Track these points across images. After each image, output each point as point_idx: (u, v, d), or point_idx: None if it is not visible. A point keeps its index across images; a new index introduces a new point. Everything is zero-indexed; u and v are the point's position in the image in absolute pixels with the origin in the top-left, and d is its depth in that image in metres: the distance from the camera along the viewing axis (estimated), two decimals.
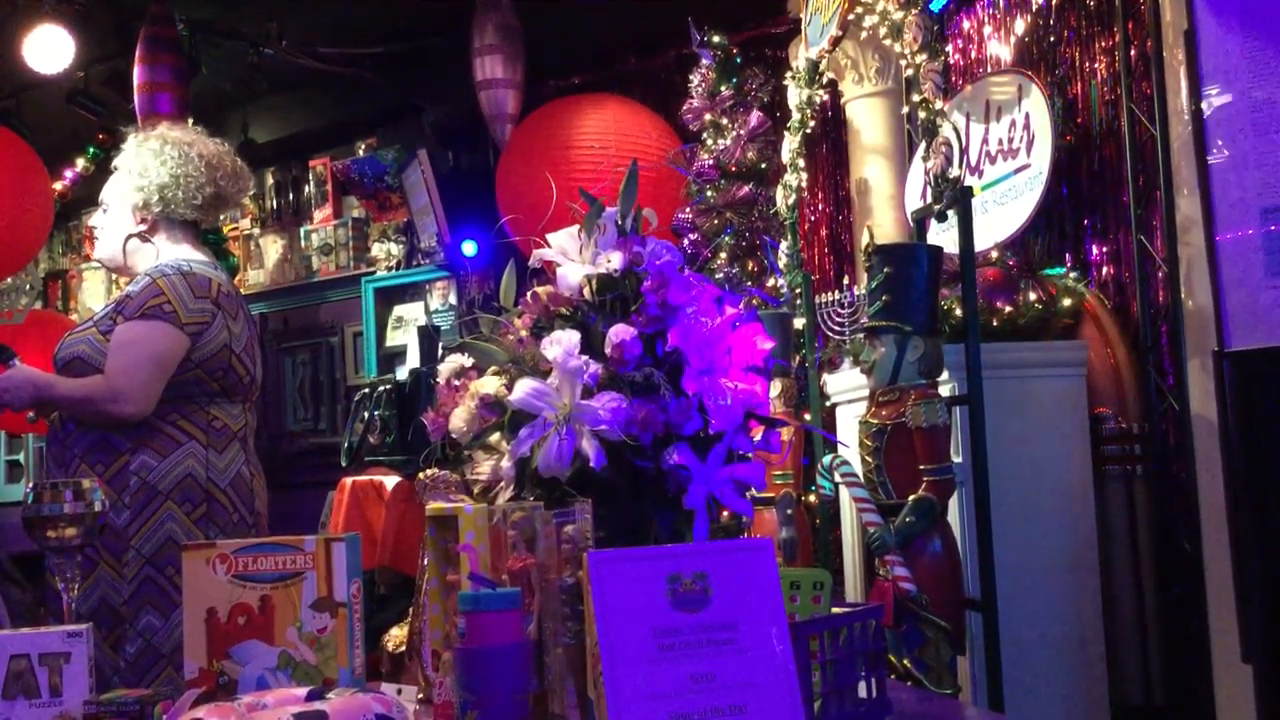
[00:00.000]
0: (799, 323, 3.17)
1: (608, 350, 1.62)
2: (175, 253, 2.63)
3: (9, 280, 6.09)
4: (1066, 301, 3.13)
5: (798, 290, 3.23)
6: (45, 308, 6.43)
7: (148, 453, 2.47)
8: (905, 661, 2.23)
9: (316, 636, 1.60)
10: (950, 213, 2.49)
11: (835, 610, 1.57)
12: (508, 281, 1.84)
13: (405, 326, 5.51)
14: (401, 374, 4.38)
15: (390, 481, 3.75)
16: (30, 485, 1.72)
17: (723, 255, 3.49)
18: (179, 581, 2.41)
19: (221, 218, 5.67)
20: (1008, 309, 2.99)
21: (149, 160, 2.63)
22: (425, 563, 1.71)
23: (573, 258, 1.72)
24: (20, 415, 2.55)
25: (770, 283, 3.40)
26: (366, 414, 3.79)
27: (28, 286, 6.40)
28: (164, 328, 2.47)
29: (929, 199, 2.61)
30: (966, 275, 2.42)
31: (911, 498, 2.29)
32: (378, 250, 5.67)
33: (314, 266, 5.95)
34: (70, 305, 6.65)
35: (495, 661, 1.26)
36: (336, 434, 5.46)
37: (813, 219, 4.42)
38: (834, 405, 3.42)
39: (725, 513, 1.83)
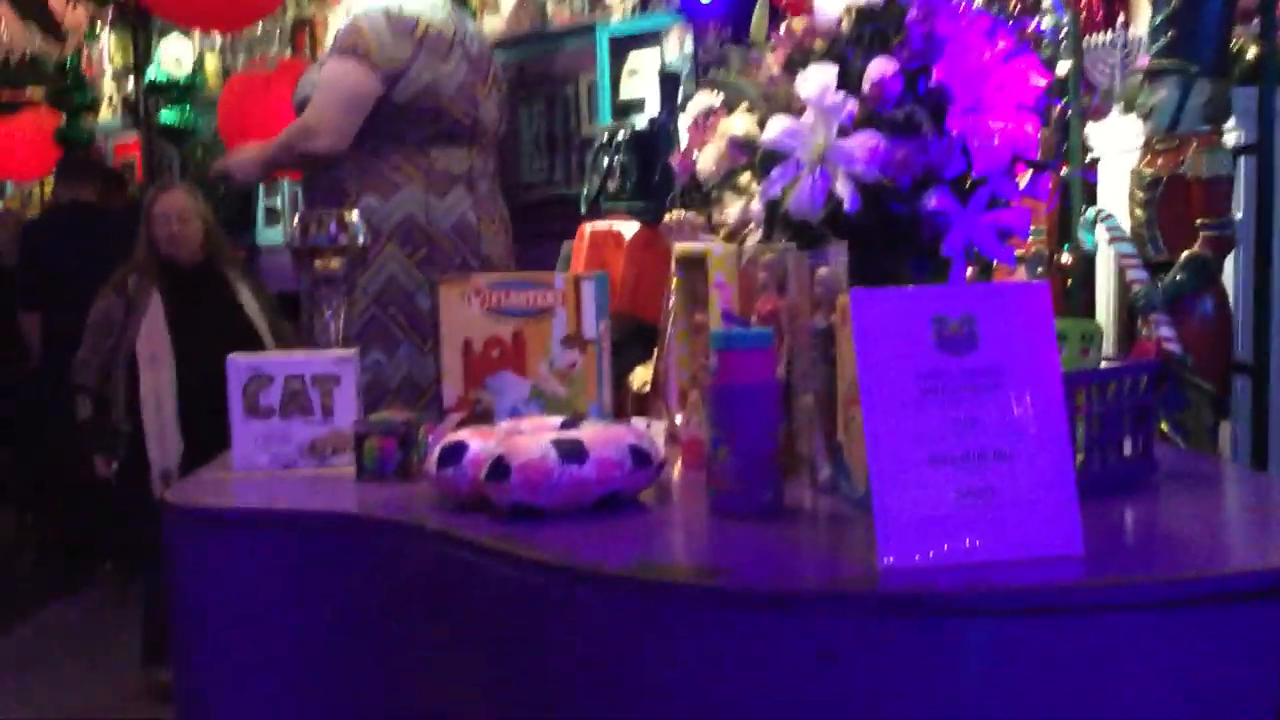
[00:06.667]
0: (1063, 67, 2.94)
1: (865, 87, 1.53)
2: None
3: (260, 27, 6.26)
4: None
5: (1064, 31, 2.98)
6: (294, 56, 6.62)
7: (372, 195, 2.53)
8: (1164, 424, 2.13)
9: (567, 371, 1.64)
10: None
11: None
12: (759, 15, 1.75)
13: (639, 76, 5.41)
14: (640, 122, 4.34)
15: (629, 229, 3.77)
16: (297, 217, 1.78)
17: None
18: (401, 320, 2.53)
19: None
20: None
21: None
22: (672, 304, 1.71)
23: None
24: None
25: (1034, 22, 3.14)
26: (605, 161, 3.78)
27: (277, 33, 6.57)
28: (354, 65, 2.48)
29: None
30: (1267, 8, 2.17)
31: (1184, 254, 2.14)
32: None
33: (549, 14, 5.88)
34: (316, 53, 6.82)
35: (748, 398, 1.25)
36: (571, 184, 5.50)
37: None
38: (1096, 160, 3.20)
39: (970, 269, 1.75)
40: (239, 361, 1.61)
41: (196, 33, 6.75)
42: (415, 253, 2.55)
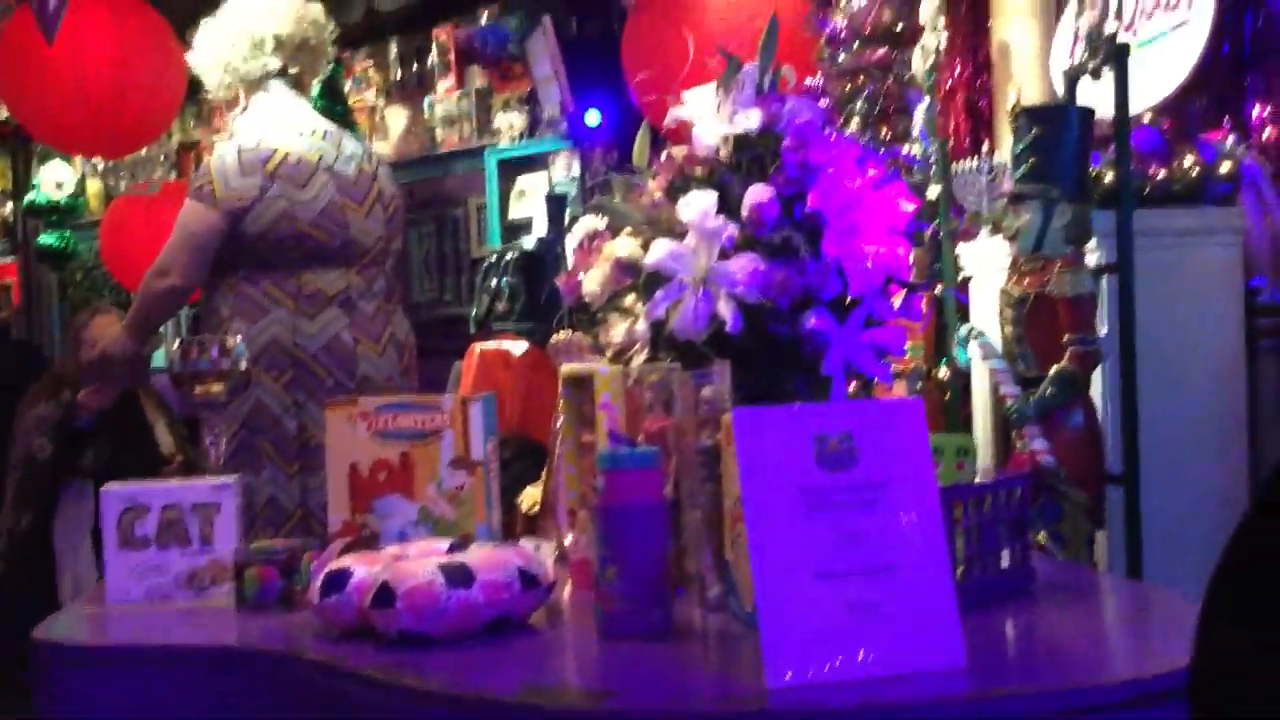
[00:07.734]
0: (933, 191, 3.07)
1: (744, 212, 1.58)
2: (259, 119, 2.67)
3: (144, 151, 6.21)
4: (1224, 167, 2.96)
5: (932, 158, 3.12)
6: (179, 179, 6.58)
7: (241, 320, 2.56)
8: (1041, 535, 2.19)
9: (455, 493, 1.63)
10: (1105, 71, 2.36)
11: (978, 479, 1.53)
12: (641, 143, 1.80)
13: (527, 198, 5.49)
14: (528, 243, 4.38)
15: (518, 349, 3.79)
16: (177, 343, 1.76)
17: (855, 120, 3.38)
18: (267, 445, 2.54)
19: (346, 88, 5.63)
20: (1161, 174, 2.84)
21: (200, 44, 2.76)
22: (560, 424, 1.72)
23: (709, 117, 1.68)
24: None
25: (904, 149, 3.28)
26: (494, 282, 3.81)
27: (161, 158, 6.53)
28: (198, 207, 2.59)
29: (1079, 58, 2.47)
30: (1121, 136, 2.30)
31: (1053, 369, 2.22)
32: (500, 121, 5.65)
33: (438, 138, 5.95)
34: None
35: (635, 518, 1.26)
36: (461, 305, 5.51)
37: (949, 84, 4.23)
38: (967, 279, 3.32)
39: (852, 385, 1.80)
40: (114, 491, 1.57)
41: (79, 156, 6.68)
42: (281, 375, 2.58)
